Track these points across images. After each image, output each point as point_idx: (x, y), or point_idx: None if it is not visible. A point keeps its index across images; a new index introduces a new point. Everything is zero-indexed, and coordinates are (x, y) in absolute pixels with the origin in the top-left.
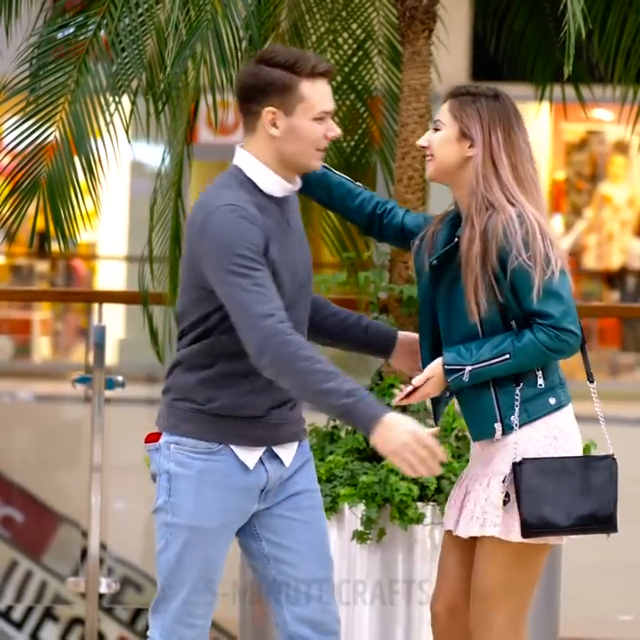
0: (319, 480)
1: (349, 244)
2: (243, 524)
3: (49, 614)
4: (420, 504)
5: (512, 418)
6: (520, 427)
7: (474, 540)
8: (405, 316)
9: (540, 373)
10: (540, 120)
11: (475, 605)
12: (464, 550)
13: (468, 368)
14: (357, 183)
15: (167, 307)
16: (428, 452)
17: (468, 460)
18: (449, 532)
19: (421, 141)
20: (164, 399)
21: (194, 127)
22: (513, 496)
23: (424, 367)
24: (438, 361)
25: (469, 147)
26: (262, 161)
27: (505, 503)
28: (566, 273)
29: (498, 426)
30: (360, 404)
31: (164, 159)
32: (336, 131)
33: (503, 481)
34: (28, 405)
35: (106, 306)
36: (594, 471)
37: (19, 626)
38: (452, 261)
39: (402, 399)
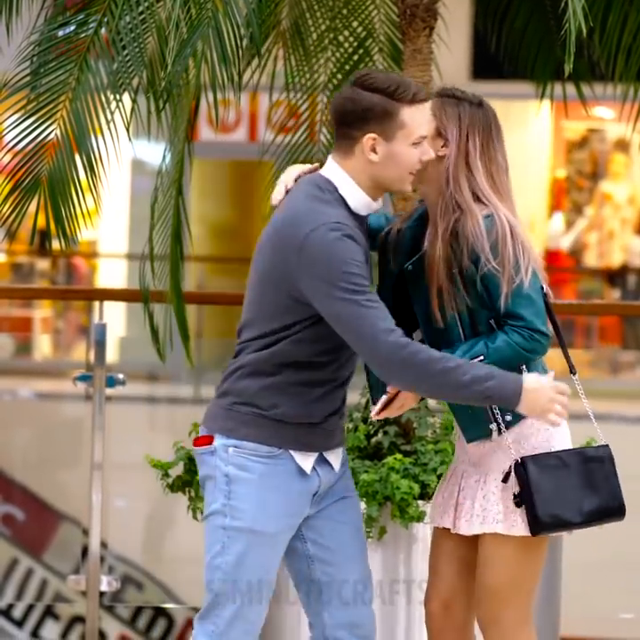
0: None
1: None
2: (297, 527)
3: (49, 612)
4: (420, 502)
5: (506, 416)
6: (514, 424)
7: (470, 537)
8: None
9: (524, 368)
10: (540, 118)
11: (483, 604)
12: (459, 547)
13: None
14: None
15: (168, 304)
16: (563, 394)
17: None
18: (440, 529)
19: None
20: (219, 402)
21: (195, 125)
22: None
23: None
24: None
25: (442, 146)
26: (357, 181)
27: (518, 505)
28: (537, 274)
29: (494, 426)
30: (500, 382)
31: (164, 157)
32: (430, 154)
33: (504, 480)
34: (28, 403)
35: (106, 304)
36: (594, 463)
37: (19, 624)
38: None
39: (379, 412)
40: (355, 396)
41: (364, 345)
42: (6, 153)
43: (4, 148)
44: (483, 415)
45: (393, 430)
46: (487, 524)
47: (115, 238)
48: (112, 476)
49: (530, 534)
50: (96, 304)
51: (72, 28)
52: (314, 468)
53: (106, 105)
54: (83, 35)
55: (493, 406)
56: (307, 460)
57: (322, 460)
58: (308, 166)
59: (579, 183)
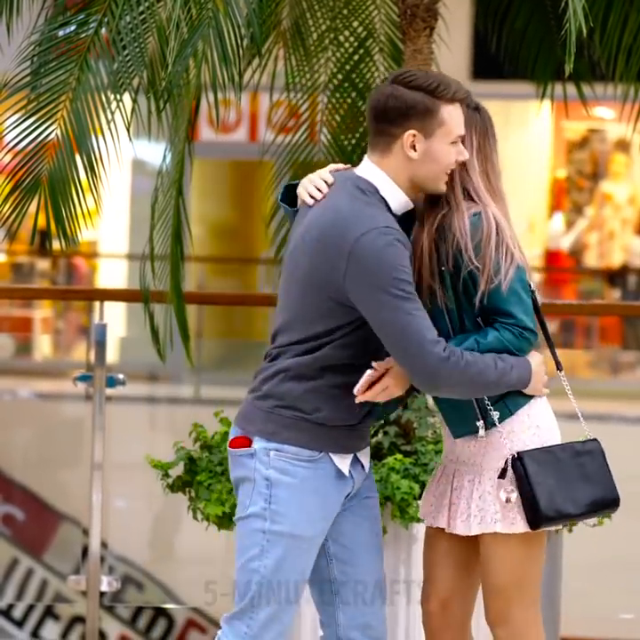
0: None
1: None
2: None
3: (50, 612)
4: (420, 502)
5: (493, 413)
6: (502, 421)
7: (465, 536)
8: None
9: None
10: (541, 118)
11: (491, 603)
12: (454, 547)
13: None
14: None
15: (168, 305)
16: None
17: None
18: (434, 529)
19: None
20: (258, 404)
21: (195, 125)
22: (516, 492)
23: None
24: None
25: None
26: (395, 181)
27: (508, 501)
28: (524, 271)
29: (480, 423)
30: (519, 371)
31: (165, 157)
32: (465, 154)
33: (500, 476)
34: (28, 403)
35: (107, 304)
36: (586, 457)
37: (19, 624)
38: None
39: (361, 392)
40: None
41: (409, 355)
42: (7, 153)
43: (4, 148)
44: (471, 412)
45: (393, 430)
46: (485, 524)
47: (115, 238)
48: (112, 476)
49: (529, 530)
50: (96, 304)
51: (72, 27)
52: (349, 469)
53: (106, 105)
54: (83, 35)
55: (479, 403)
56: (344, 463)
57: (355, 461)
58: (340, 165)
59: (579, 183)
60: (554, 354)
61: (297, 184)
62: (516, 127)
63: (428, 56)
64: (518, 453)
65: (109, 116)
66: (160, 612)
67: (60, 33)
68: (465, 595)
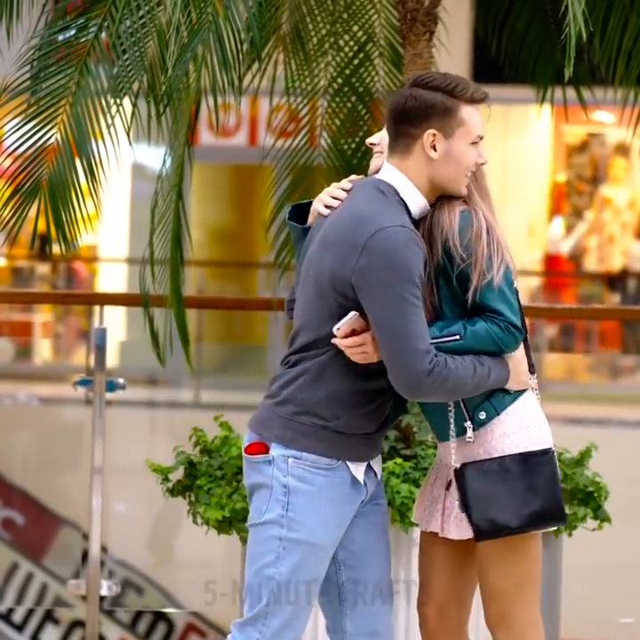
0: None
1: None
2: None
3: (50, 617)
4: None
5: (479, 415)
6: (489, 422)
7: (461, 540)
8: None
9: None
10: (540, 122)
11: (490, 606)
12: (449, 550)
13: None
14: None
15: (168, 309)
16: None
17: None
18: (428, 534)
19: (373, 139)
20: (276, 410)
21: (195, 129)
22: (459, 501)
23: None
24: None
25: None
26: (416, 184)
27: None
28: (511, 272)
29: (468, 425)
30: (497, 373)
31: (165, 161)
32: (485, 157)
33: (446, 488)
34: (28, 408)
35: (107, 308)
36: (536, 467)
37: (19, 628)
38: None
39: (341, 331)
40: None
41: (396, 359)
42: (6, 157)
43: (4, 153)
44: (457, 415)
45: (393, 434)
46: None
47: (115, 243)
48: (112, 480)
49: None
50: (96, 308)
51: (72, 32)
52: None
53: (106, 109)
54: (83, 39)
55: (466, 404)
56: (359, 471)
57: (368, 469)
58: (360, 177)
59: (579, 187)
60: (529, 356)
61: (304, 203)
62: (516, 131)
63: (428, 60)
64: (463, 464)
65: (109, 121)
66: (160, 617)
67: (60, 37)
68: (461, 598)
